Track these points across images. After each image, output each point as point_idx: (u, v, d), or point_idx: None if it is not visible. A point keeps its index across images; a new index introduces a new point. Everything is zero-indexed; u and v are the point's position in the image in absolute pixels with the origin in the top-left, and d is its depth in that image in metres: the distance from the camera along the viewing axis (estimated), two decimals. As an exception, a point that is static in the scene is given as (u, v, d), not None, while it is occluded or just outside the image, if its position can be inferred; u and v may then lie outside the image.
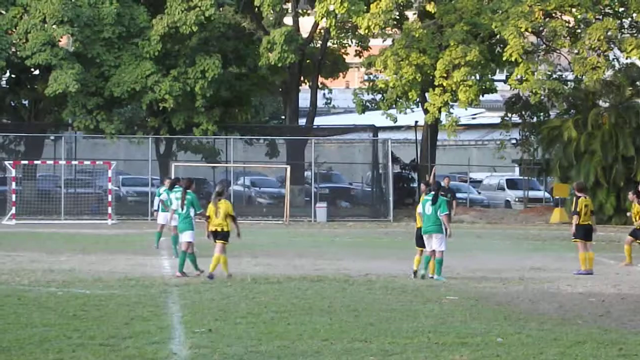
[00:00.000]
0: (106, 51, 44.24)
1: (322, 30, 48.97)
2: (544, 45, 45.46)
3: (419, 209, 20.39)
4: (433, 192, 20.23)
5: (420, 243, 20.50)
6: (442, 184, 31.33)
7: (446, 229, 20.02)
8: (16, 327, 13.37)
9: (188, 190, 20.93)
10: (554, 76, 44.31)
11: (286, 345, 12.23)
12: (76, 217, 42.05)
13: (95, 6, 43.85)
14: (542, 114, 47.14)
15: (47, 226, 37.56)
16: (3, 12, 44.44)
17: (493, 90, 45.91)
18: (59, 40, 43.80)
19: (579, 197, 22.22)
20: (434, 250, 20.12)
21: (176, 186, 25.64)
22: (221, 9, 46.06)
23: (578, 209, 21.96)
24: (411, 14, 48.28)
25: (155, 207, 27.47)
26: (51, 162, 45.30)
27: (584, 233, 21.93)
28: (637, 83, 44.10)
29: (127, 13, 44.61)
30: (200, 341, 12.41)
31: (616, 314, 15.51)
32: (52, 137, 48.99)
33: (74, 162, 46.54)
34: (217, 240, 19.93)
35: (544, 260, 24.77)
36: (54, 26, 43.06)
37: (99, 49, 44.02)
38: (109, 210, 40.78)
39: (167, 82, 43.78)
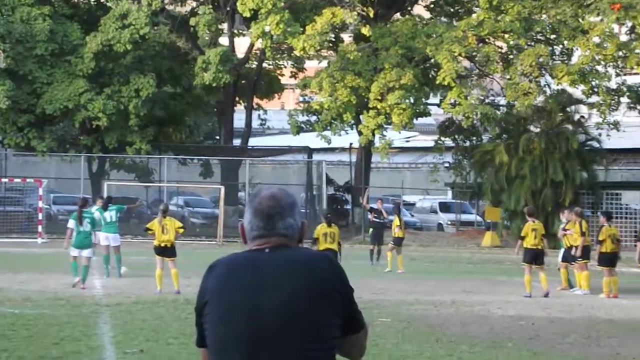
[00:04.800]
0: (38, 68, 43.78)
1: (257, 51, 48.99)
2: (477, 70, 45.98)
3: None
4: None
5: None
6: (375, 206, 31.61)
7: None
8: (-58, 347, 13.12)
9: (84, 210, 22.15)
10: (487, 101, 44.81)
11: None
12: (5, 235, 41.39)
13: (28, 22, 43.40)
14: (474, 138, 47.62)
15: (-24, 244, 36.91)
16: None
17: (427, 113, 46.27)
18: (-9, 56, 43.30)
19: (527, 221, 22.70)
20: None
21: (110, 204, 25.70)
22: (156, 27, 45.87)
23: (523, 233, 22.53)
24: (347, 37, 48.54)
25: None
26: (-20, 179, 44.58)
27: (532, 257, 22.25)
28: (568, 109, 44.76)
29: (60, 30, 44.21)
30: (131, 362, 12.30)
31: (545, 337, 15.67)
32: (-19, 154, 48.28)
33: (3, 180, 45.84)
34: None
35: (475, 284, 24.97)
36: (-15, 42, 42.54)
37: (31, 65, 43.55)
38: (39, 228, 40.25)
39: (101, 100, 43.44)
